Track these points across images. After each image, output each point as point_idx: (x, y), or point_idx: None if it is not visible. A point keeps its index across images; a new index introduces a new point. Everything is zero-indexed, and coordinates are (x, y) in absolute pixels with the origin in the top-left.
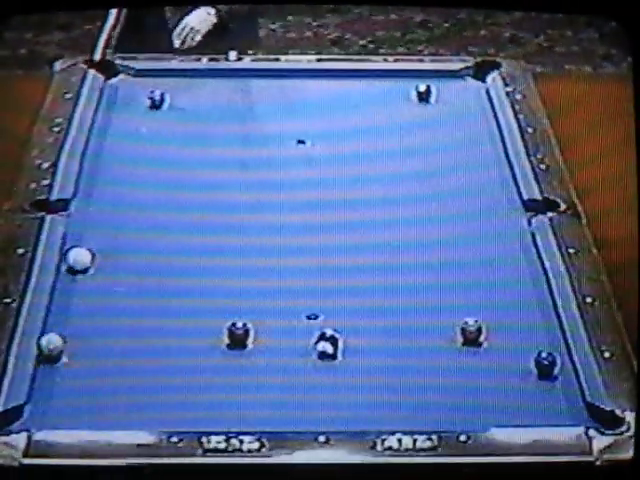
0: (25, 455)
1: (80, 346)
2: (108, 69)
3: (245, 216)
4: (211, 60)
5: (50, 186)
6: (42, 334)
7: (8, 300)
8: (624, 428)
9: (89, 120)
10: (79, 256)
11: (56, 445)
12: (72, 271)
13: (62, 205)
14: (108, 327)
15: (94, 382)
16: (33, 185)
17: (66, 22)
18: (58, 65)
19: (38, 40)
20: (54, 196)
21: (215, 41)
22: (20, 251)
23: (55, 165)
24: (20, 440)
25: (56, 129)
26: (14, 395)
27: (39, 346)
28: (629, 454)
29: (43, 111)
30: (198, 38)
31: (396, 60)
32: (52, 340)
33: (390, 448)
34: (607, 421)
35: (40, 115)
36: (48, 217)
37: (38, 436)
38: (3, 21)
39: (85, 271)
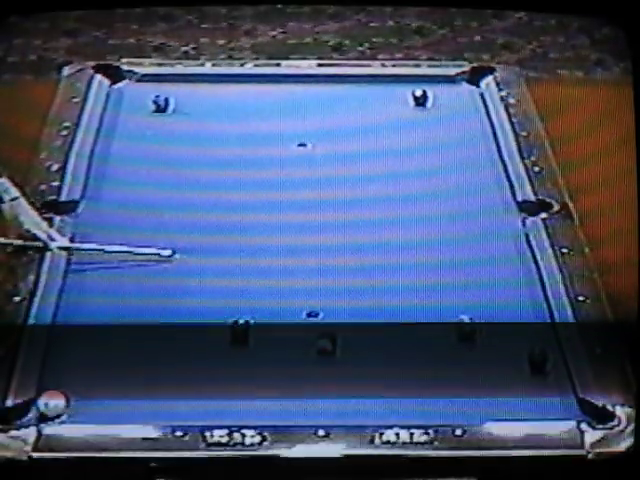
0: (35, 449)
1: (90, 337)
2: (114, 74)
3: (247, 216)
4: (214, 65)
5: (59, 188)
6: (50, 331)
7: (18, 298)
8: (615, 422)
9: (96, 123)
10: (51, 400)
11: (65, 439)
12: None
13: (71, 206)
14: (116, 325)
15: (102, 375)
16: (43, 186)
17: (73, 28)
18: (66, 70)
19: (46, 46)
20: (63, 197)
21: None
22: (30, 251)
23: (64, 167)
24: (30, 434)
25: (64, 132)
26: (23, 389)
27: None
28: (620, 448)
29: (51, 115)
30: None
31: (393, 65)
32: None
33: (388, 442)
34: (598, 415)
35: (48, 119)
36: (57, 218)
37: (47, 430)
38: (3, 21)
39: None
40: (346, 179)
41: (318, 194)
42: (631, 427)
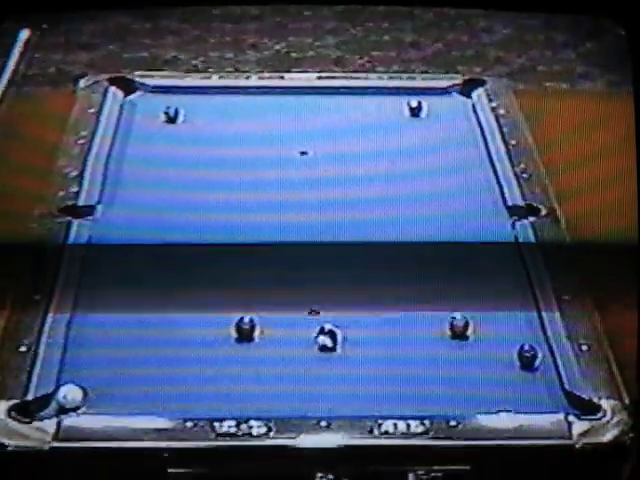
0: (55, 439)
1: (103, 336)
2: (127, 86)
3: (253, 216)
4: (221, 78)
5: (77, 193)
6: (69, 327)
7: (37, 297)
8: (601, 414)
9: (111, 132)
10: (70, 394)
11: (83, 430)
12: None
13: (88, 210)
14: (128, 320)
15: (117, 372)
16: (61, 192)
17: (90, 43)
18: (82, 82)
19: (65, 59)
20: (81, 202)
21: None
22: (49, 252)
23: (81, 174)
24: (50, 425)
25: (81, 141)
26: (44, 384)
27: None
28: (606, 438)
29: (69, 124)
30: None
31: (390, 78)
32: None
33: (386, 432)
34: (585, 408)
35: (67, 128)
36: (75, 221)
37: (67, 422)
38: (2, 21)
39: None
40: (345, 184)
41: (319, 194)
42: (616, 418)
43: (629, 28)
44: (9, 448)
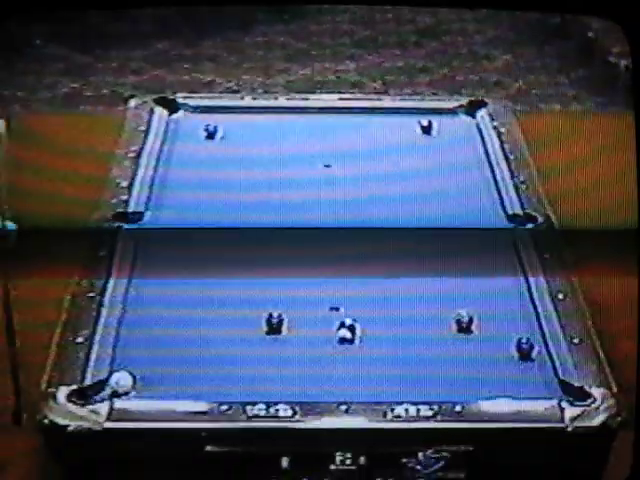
0: (107, 420)
1: (149, 332)
2: (171, 106)
3: (283, 217)
4: (253, 99)
5: (127, 201)
6: (120, 323)
7: (92, 294)
8: (591, 400)
9: (157, 147)
10: (121, 380)
11: (132, 412)
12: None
13: (137, 216)
14: (170, 318)
15: (162, 362)
16: (114, 200)
17: (138, 68)
18: (132, 102)
19: (117, 82)
20: (131, 209)
21: None
22: (102, 253)
23: (131, 184)
24: (103, 408)
25: (131, 154)
26: (98, 372)
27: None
28: (595, 422)
29: (121, 139)
30: None
31: (403, 99)
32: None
33: (398, 416)
34: (577, 395)
35: (118, 143)
36: (125, 226)
37: (118, 405)
38: (3, 21)
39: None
40: (365, 192)
41: (340, 193)
42: (604, 405)
43: (629, 28)
44: (69, 428)
